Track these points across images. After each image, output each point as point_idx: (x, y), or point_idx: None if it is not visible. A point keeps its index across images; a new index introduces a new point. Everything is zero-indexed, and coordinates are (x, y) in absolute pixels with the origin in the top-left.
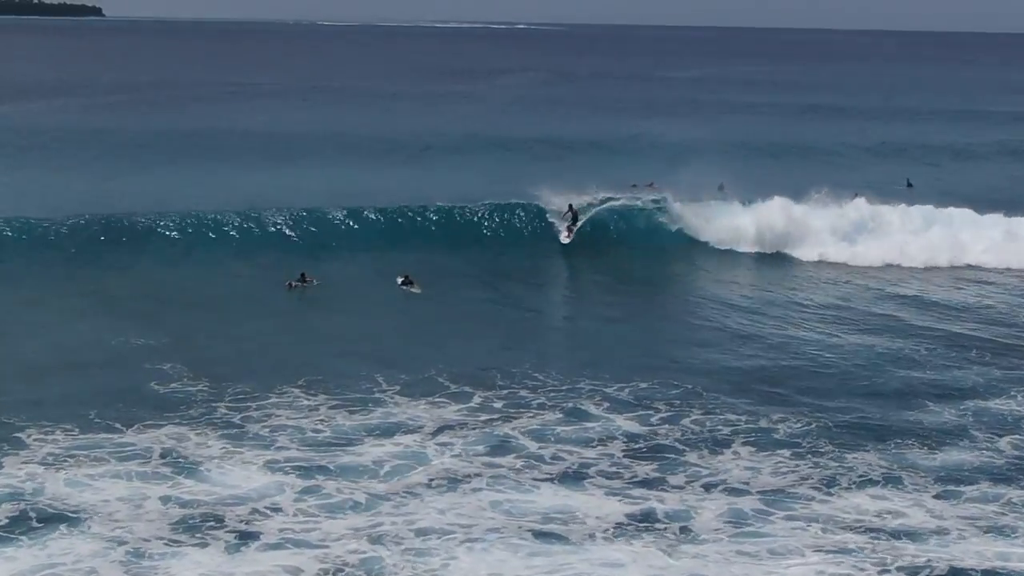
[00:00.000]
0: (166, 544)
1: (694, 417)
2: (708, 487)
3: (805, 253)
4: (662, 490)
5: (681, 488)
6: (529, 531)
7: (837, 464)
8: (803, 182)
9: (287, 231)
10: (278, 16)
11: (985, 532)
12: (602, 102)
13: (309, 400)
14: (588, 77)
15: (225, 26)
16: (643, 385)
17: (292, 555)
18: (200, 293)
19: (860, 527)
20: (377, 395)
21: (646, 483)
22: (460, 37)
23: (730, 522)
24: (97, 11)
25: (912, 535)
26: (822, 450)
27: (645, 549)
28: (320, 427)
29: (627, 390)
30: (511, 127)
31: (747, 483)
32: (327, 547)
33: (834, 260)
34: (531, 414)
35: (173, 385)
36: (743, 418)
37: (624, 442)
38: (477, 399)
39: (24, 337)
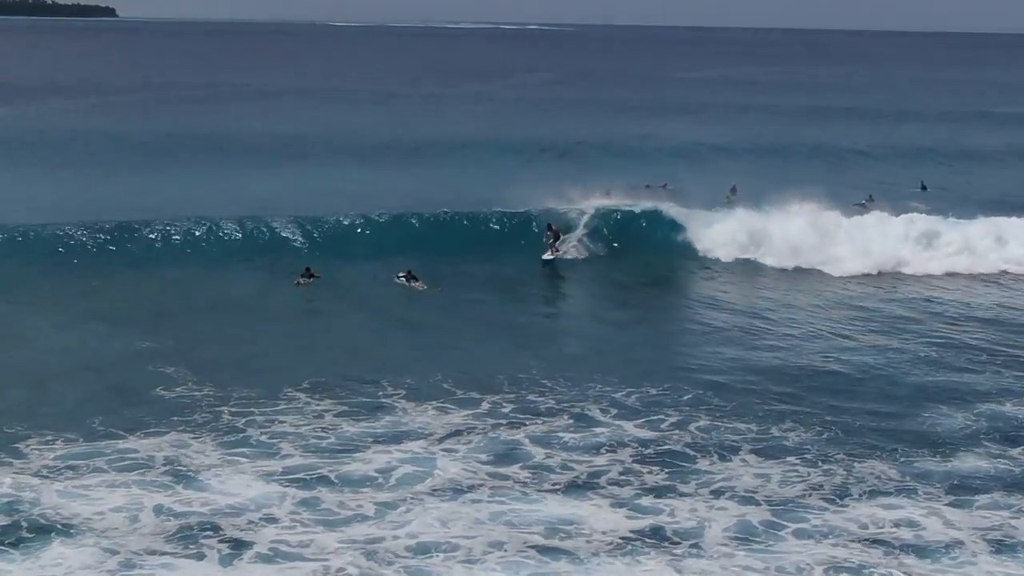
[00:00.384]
0: (159, 555)
1: (703, 423)
2: (717, 496)
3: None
4: (670, 500)
5: (690, 497)
6: (532, 546)
7: (848, 472)
8: (816, 184)
9: (293, 235)
10: (289, 17)
11: (999, 544)
12: (614, 103)
13: (314, 405)
14: (600, 78)
15: (237, 27)
16: (652, 391)
17: (285, 569)
18: (206, 296)
19: (871, 540)
20: (383, 400)
21: (654, 492)
22: (471, 38)
23: (738, 537)
24: (111, 12)
25: (926, 549)
26: (833, 458)
27: (652, 565)
28: (324, 434)
29: (635, 396)
30: (523, 128)
31: (757, 492)
32: (323, 560)
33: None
34: (539, 420)
35: (178, 390)
36: (752, 425)
37: (632, 449)
38: (485, 404)
39: (28, 342)
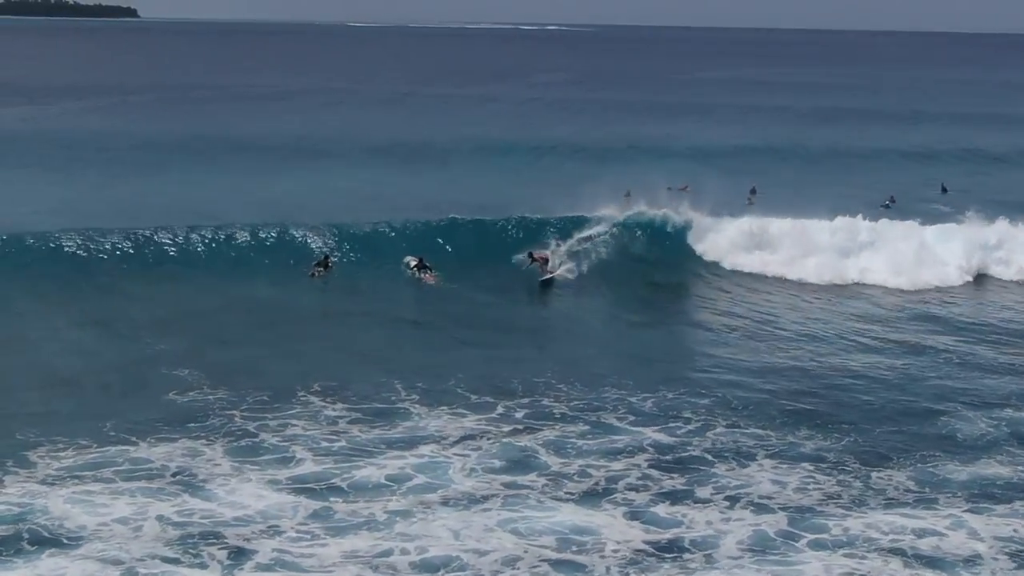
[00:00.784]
0: (160, 565)
1: (720, 429)
2: (734, 505)
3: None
4: (687, 509)
5: (706, 505)
6: (545, 560)
7: (866, 479)
8: (834, 186)
9: (307, 238)
10: (307, 17)
11: (1021, 559)
12: (633, 104)
13: (327, 410)
14: (618, 78)
15: (256, 27)
16: (669, 395)
17: None
18: (219, 299)
19: (889, 550)
20: (396, 405)
21: (670, 500)
22: (490, 39)
23: (754, 548)
24: (132, 12)
25: (944, 561)
26: (851, 464)
27: None
28: (336, 439)
29: (651, 400)
30: (541, 129)
31: (773, 500)
32: (326, 572)
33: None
34: (554, 426)
35: (191, 394)
36: (770, 431)
37: (649, 455)
38: (499, 409)
39: (41, 344)
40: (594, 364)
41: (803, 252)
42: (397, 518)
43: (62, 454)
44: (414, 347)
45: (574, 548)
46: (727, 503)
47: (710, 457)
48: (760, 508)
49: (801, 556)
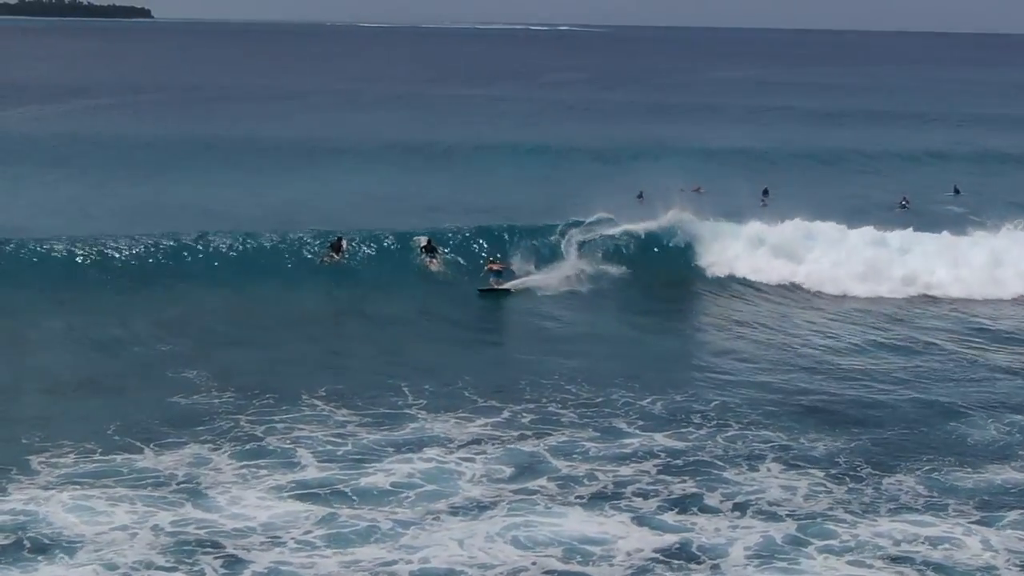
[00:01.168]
0: (156, 570)
1: (730, 433)
2: (743, 512)
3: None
4: (696, 516)
5: (716, 513)
6: (552, 571)
7: (876, 486)
8: (845, 188)
9: (316, 239)
10: (319, 18)
11: None
12: (646, 106)
13: (334, 413)
14: (631, 79)
15: (268, 28)
16: (678, 398)
17: None
18: (227, 301)
19: (899, 558)
20: (404, 409)
21: (679, 507)
22: (501, 39)
23: (762, 554)
24: (146, 13)
25: (955, 570)
26: (861, 470)
27: None
28: (343, 443)
29: (660, 404)
30: (554, 131)
31: (783, 506)
32: None
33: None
34: (562, 430)
35: (196, 397)
36: (780, 435)
37: (658, 460)
38: (506, 413)
39: (47, 348)
40: (602, 367)
41: (813, 258)
42: (401, 527)
43: (65, 459)
44: (421, 350)
45: (579, 558)
46: (737, 509)
47: (720, 462)
48: (769, 515)
49: (810, 564)
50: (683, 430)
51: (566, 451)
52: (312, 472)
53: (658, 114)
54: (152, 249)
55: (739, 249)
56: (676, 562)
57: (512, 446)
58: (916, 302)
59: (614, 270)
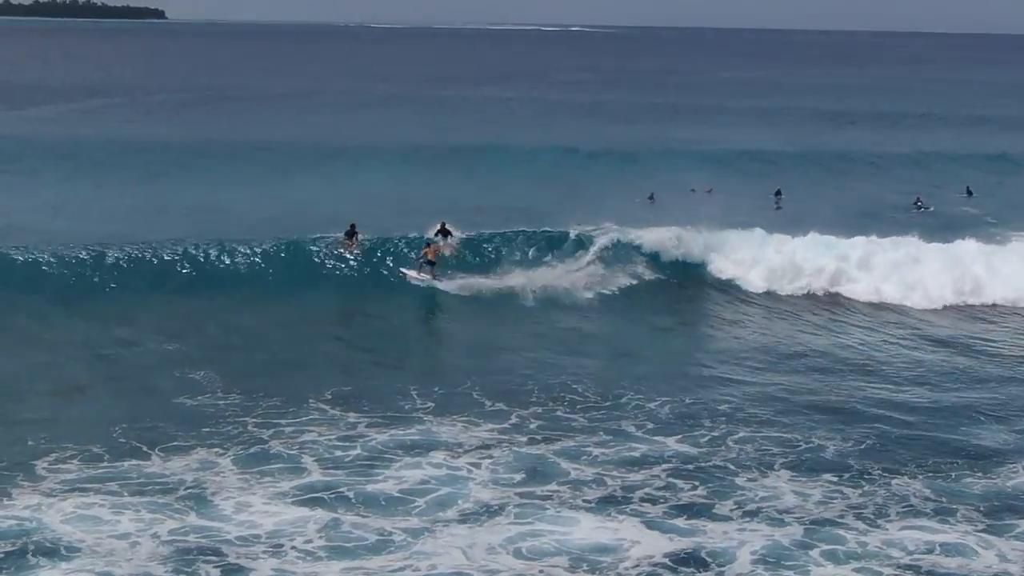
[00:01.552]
0: None
1: (740, 436)
2: (752, 517)
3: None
4: (705, 521)
5: (725, 519)
6: None
7: (887, 491)
8: (856, 190)
9: (323, 242)
10: (330, 19)
11: None
12: (658, 107)
13: (341, 417)
14: (641, 81)
15: (280, 28)
16: (687, 401)
17: None
18: (234, 302)
19: (910, 567)
20: (411, 413)
21: (688, 512)
22: (513, 40)
23: (770, 562)
24: (160, 13)
25: None
26: (873, 476)
27: None
28: (349, 448)
29: (668, 407)
30: (565, 132)
31: (792, 512)
32: None
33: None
34: (570, 434)
35: (202, 399)
36: (789, 439)
37: (667, 464)
38: (514, 418)
39: (53, 351)
40: (610, 370)
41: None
42: (407, 535)
43: (70, 463)
44: (428, 352)
45: (586, 566)
46: (746, 515)
47: (729, 466)
48: (778, 520)
49: (821, 571)
50: (692, 434)
51: (575, 455)
52: (318, 477)
53: (669, 115)
54: (159, 252)
55: (747, 256)
56: (685, 569)
57: (520, 450)
58: (922, 309)
59: (618, 275)
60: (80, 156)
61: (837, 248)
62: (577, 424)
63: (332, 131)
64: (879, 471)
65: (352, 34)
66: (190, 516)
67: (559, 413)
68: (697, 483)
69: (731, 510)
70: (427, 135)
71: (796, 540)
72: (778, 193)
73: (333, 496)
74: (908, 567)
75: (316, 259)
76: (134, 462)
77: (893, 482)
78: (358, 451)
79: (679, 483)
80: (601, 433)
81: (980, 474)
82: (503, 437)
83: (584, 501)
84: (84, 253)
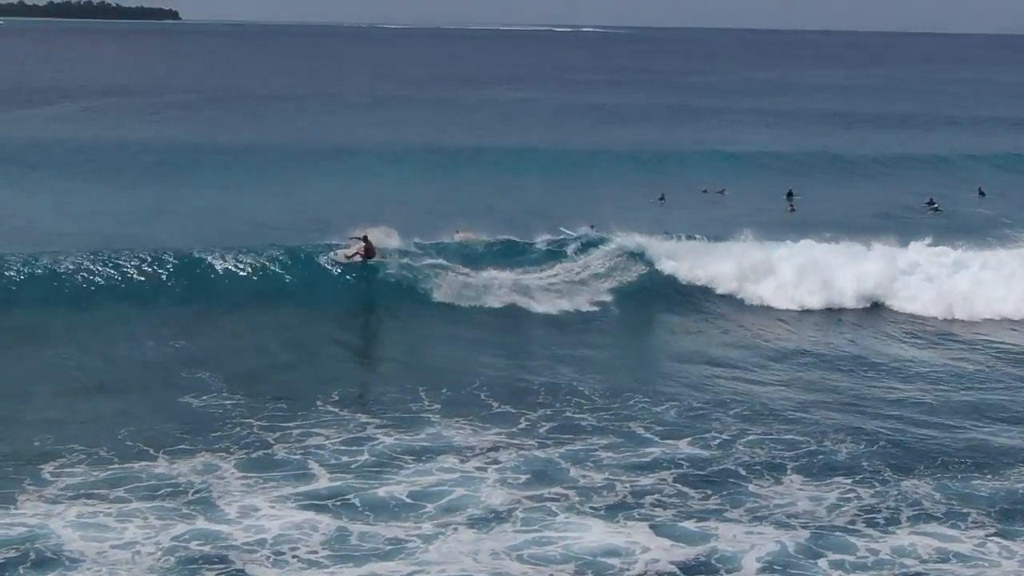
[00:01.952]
0: None
1: (750, 439)
2: (762, 522)
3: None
4: (715, 526)
5: (736, 523)
6: None
7: (901, 496)
8: (868, 191)
9: (332, 243)
10: (340, 19)
11: None
12: (669, 108)
13: (348, 419)
14: (653, 82)
15: (292, 29)
16: (696, 404)
17: None
18: (240, 303)
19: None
20: (418, 415)
21: (698, 518)
22: (525, 40)
23: (777, 569)
24: (174, 15)
25: None
26: (886, 479)
27: None
28: (358, 450)
29: (676, 409)
30: (576, 132)
31: (801, 517)
32: None
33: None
34: (579, 437)
35: (209, 402)
36: (799, 442)
37: (676, 468)
38: (523, 420)
39: (58, 352)
40: (618, 372)
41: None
42: (411, 542)
43: (76, 467)
44: (435, 353)
45: (593, 573)
46: (754, 520)
47: (740, 470)
48: (787, 526)
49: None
50: (703, 436)
51: (583, 459)
52: (325, 482)
53: (680, 116)
54: (167, 253)
55: (752, 262)
56: (694, 574)
57: (529, 453)
58: (931, 315)
59: (624, 277)
60: (91, 157)
61: (867, 258)
62: (586, 426)
63: (345, 131)
64: (894, 477)
65: (364, 35)
66: (195, 522)
67: (567, 414)
68: (707, 487)
69: (741, 515)
70: (439, 136)
71: (807, 546)
72: (790, 195)
73: (341, 502)
74: (917, 573)
75: (323, 261)
76: (140, 465)
77: (909, 488)
78: (366, 456)
79: (689, 487)
80: (611, 435)
81: (990, 476)
82: (512, 441)
83: (592, 507)
84: (90, 254)
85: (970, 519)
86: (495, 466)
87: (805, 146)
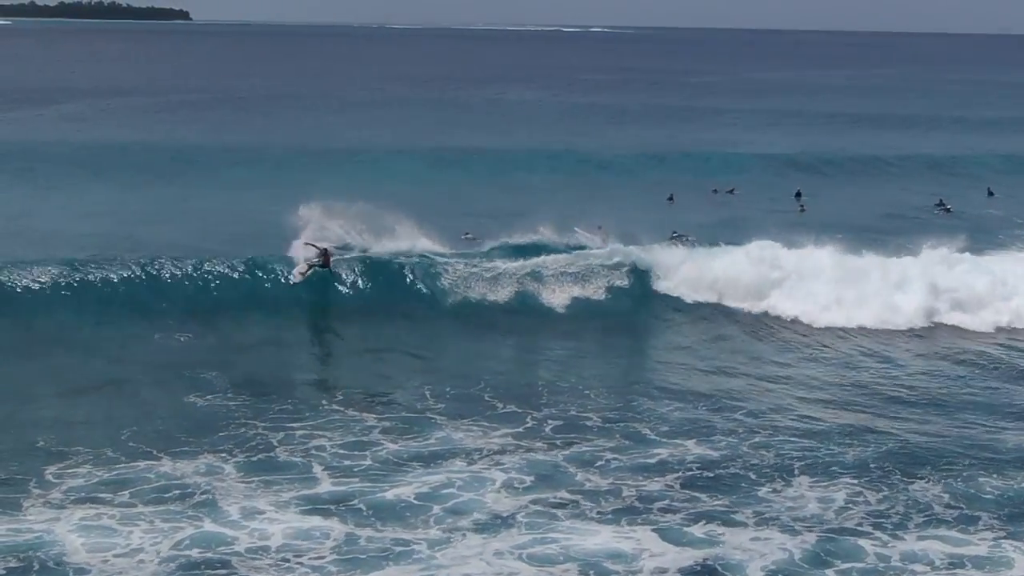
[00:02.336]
0: None
1: (756, 441)
2: (770, 526)
3: None
4: (722, 531)
5: (743, 527)
6: None
7: (910, 500)
8: (877, 192)
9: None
10: (350, 19)
11: None
12: (675, 108)
13: (352, 421)
14: (662, 82)
15: (301, 29)
16: (702, 405)
17: None
18: (244, 304)
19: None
20: (423, 416)
21: (703, 522)
22: (534, 41)
23: (784, 572)
24: (185, 15)
25: None
26: (895, 483)
27: None
28: (360, 454)
29: (682, 412)
30: (585, 133)
31: (807, 520)
32: None
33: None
34: (585, 438)
35: (213, 403)
36: (805, 445)
37: (683, 471)
38: (529, 421)
39: (61, 352)
40: (624, 373)
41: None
42: (416, 546)
43: (80, 469)
44: (440, 354)
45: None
46: (760, 523)
47: (748, 473)
48: (794, 530)
49: None
50: (710, 438)
51: (589, 461)
52: (329, 486)
53: (689, 115)
54: (171, 254)
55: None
56: None
57: (534, 456)
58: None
59: (628, 280)
60: (99, 158)
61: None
62: (592, 427)
63: (353, 132)
64: (902, 480)
65: (373, 35)
66: (199, 525)
67: (572, 413)
68: (713, 490)
69: (748, 518)
70: (446, 137)
71: (814, 552)
72: (798, 195)
73: (345, 506)
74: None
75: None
76: (144, 467)
77: (917, 492)
78: (370, 460)
79: (695, 490)
80: (617, 437)
81: (997, 478)
82: (518, 443)
83: (598, 512)
84: (96, 255)
85: (980, 522)
86: (501, 468)
87: (815, 146)
